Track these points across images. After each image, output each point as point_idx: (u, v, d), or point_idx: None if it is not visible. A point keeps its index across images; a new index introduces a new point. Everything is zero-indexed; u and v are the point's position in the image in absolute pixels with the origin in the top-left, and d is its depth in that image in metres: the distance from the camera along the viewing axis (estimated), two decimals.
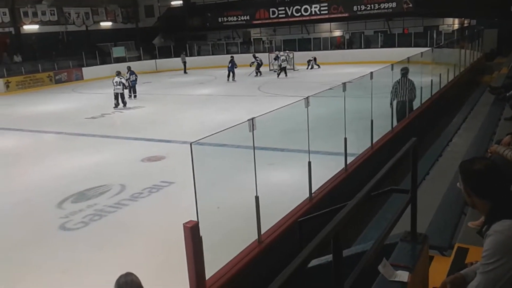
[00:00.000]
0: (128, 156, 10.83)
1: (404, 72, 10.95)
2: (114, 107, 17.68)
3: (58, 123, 15.59)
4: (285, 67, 25.49)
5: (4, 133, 14.71)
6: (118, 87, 17.69)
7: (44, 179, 9.39)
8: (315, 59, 28.76)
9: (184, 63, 31.19)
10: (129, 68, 20.79)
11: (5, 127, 15.39)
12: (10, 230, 7.03)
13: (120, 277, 2.88)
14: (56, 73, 28.68)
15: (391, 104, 10.68)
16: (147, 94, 21.19)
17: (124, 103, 17.87)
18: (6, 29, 30.28)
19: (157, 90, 22.91)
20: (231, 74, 24.78)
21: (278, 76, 25.14)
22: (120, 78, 17.87)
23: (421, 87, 12.62)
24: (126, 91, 18.26)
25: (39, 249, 6.35)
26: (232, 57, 25.73)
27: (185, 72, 30.77)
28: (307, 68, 28.34)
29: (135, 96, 19.98)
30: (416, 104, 11.95)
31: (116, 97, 17.81)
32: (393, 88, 10.89)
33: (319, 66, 28.36)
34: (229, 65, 24.80)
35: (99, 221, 7.09)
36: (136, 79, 20.40)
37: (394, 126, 10.15)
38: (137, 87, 20.46)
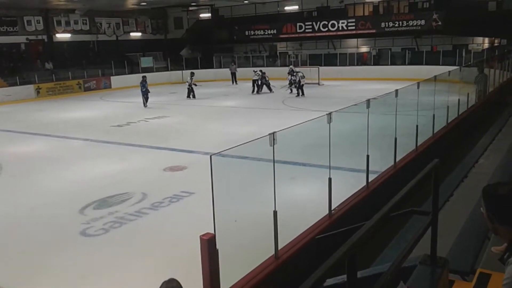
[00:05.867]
0: (151, 165, 10.94)
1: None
2: (186, 97, 23.27)
3: (85, 130, 15.89)
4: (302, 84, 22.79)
5: (33, 137, 15.08)
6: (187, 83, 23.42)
7: (68, 185, 9.56)
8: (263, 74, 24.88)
9: (233, 73, 30.36)
10: (192, 73, 23.78)
11: (34, 132, 15.79)
12: (32, 233, 7.16)
13: (163, 284, 2.88)
14: (86, 81, 29.37)
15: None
16: (172, 104, 21.46)
17: (193, 96, 23.19)
18: (40, 37, 31.15)
19: (183, 101, 23.18)
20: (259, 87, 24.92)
21: (291, 92, 23.72)
22: (192, 76, 23.21)
23: (448, 106, 12.43)
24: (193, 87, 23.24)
25: (59, 253, 6.44)
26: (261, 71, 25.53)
27: (234, 83, 30.33)
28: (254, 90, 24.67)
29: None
30: (442, 123, 11.78)
31: (188, 91, 23.29)
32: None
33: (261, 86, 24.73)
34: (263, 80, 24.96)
35: (119, 229, 7.16)
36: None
37: (418, 144, 10.00)
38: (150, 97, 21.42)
